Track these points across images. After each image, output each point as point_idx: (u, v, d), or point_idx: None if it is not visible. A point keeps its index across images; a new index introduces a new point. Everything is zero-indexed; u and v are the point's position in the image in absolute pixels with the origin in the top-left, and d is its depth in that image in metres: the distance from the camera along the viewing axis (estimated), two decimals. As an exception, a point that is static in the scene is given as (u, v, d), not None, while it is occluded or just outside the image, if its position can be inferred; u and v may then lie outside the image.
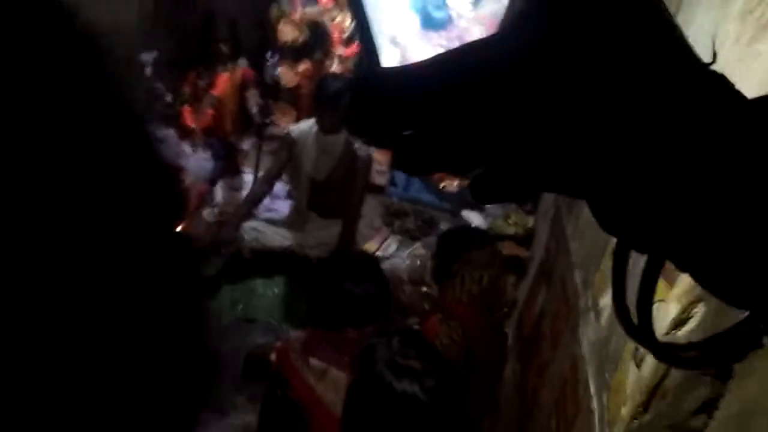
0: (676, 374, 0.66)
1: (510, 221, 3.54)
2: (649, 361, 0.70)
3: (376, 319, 1.77)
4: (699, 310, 0.65)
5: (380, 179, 4.21)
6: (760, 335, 0.35)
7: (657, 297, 0.80)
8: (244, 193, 3.89)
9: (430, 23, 0.32)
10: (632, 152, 0.27)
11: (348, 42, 4.77)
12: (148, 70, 3.92)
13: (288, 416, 1.71)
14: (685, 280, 0.66)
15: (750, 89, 0.28)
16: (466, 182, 4.14)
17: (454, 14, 0.32)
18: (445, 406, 1.24)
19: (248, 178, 4.10)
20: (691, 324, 0.65)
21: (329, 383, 1.69)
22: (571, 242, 1.44)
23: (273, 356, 1.77)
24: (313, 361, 1.71)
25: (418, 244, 3.64)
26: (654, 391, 0.68)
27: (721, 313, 0.59)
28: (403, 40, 0.30)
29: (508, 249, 3.09)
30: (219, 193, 3.92)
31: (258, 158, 3.98)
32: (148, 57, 3.90)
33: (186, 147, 4.01)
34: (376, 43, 0.30)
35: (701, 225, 0.27)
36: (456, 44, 0.28)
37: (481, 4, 0.32)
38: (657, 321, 0.76)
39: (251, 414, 2.35)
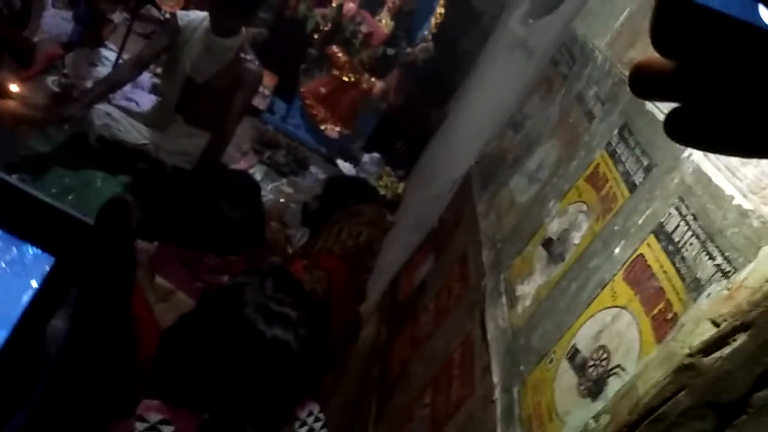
0: (680, 401, 0.60)
1: (381, 183, 3.49)
2: (646, 380, 0.64)
3: (243, 249, 1.60)
4: (741, 339, 0.59)
5: (260, 102, 3.90)
6: None
7: (616, 302, 0.74)
8: (101, 70, 3.41)
9: None
10: None
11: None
12: None
13: (112, 330, 1.49)
14: (733, 300, 0.60)
15: None
16: (345, 130, 4.00)
17: None
18: (312, 357, 1.17)
19: (110, 54, 3.59)
20: (726, 350, 0.60)
21: (172, 307, 1.52)
22: (482, 220, 1.39)
23: (112, 263, 1.52)
24: (160, 280, 1.52)
25: (284, 181, 3.44)
26: (647, 415, 0.62)
27: (763, 346, 0.54)
28: None
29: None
30: (72, 61, 3.36)
31: (126, 37, 3.47)
32: None
33: (44, -2, 3.38)
34: None
35: None
36: None
37: None
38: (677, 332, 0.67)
39: (61, 320, 2.05)
